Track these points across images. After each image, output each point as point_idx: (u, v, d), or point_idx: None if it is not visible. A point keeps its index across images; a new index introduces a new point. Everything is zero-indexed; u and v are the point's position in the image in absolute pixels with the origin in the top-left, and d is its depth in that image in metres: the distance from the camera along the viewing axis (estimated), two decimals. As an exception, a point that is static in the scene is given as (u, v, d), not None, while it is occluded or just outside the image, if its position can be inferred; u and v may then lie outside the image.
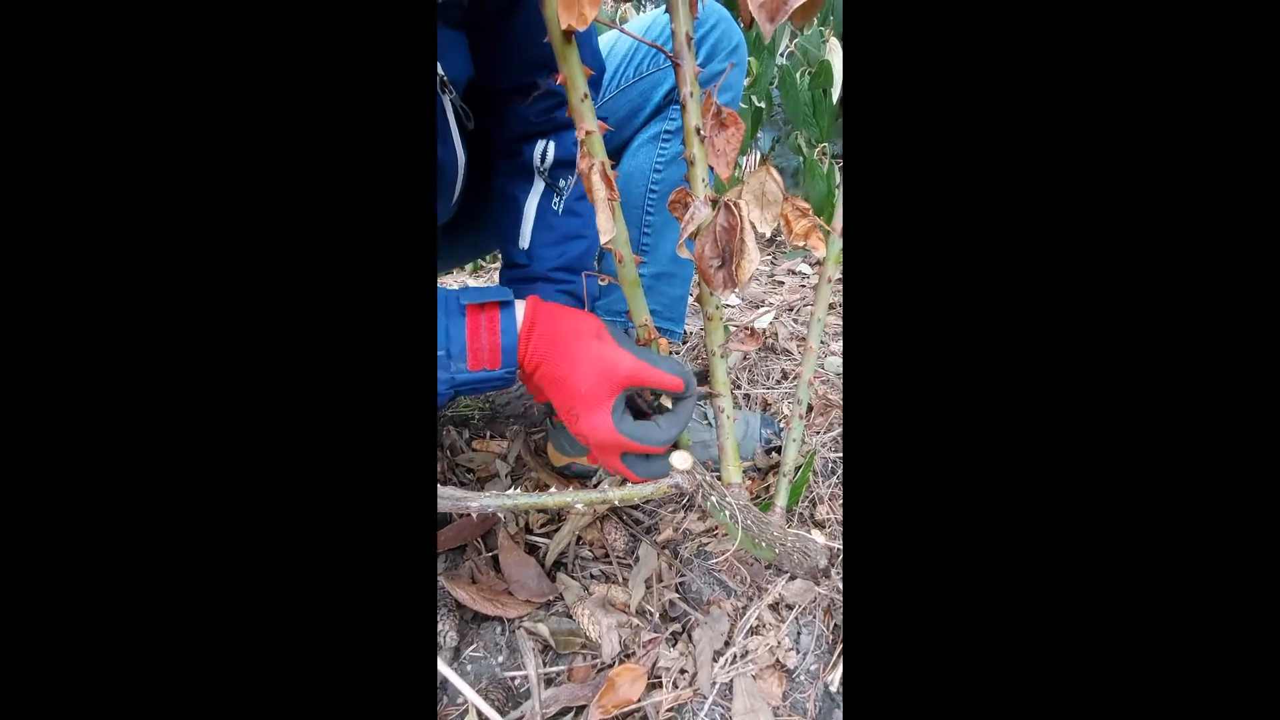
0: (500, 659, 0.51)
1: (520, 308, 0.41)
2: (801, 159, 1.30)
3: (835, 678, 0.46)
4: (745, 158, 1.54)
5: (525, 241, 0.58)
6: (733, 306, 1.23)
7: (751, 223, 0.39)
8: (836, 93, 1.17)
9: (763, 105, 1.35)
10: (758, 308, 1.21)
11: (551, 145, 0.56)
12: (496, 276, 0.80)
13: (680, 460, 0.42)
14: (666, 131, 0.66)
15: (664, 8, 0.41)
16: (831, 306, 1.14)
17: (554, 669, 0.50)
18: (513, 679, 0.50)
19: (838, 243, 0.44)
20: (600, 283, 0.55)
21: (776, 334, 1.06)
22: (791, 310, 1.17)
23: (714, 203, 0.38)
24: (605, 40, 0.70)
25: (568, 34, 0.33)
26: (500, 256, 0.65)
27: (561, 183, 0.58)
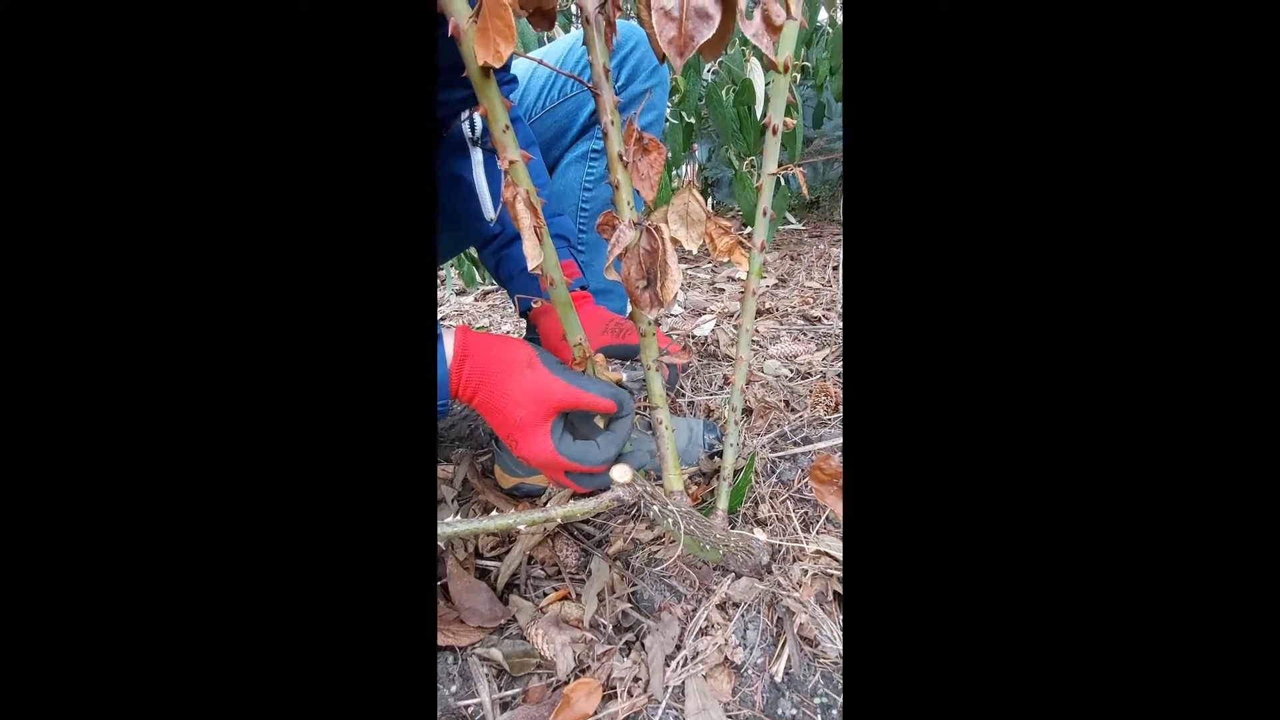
0: (453, 689, 0.51)
1: (449, 339, 0.42)
2: (734, 171, 1.36)
3: (780, 668, 0.48)
4: (685, 167, 1.58)
5: (490, 212, 0.58)
6: (675, 316, 1.26)
7: (676, 242, 0.41)
8: (760, 109, 1.23)
9: (693, 121, 1.39)
10: (699, 315, 1.24)
11: (477, 115, 0.57)
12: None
13: (620, 473, 0.43)
14: (594, 150, 0.68)
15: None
16: (760, 314, 1.19)
17: (509, 692, 0.50)
18: (466, 707, 0.49)
19: (759, 257, 0.46)
20: (534, 305, 0.56)
21: (718, 341, 1.09)
22: (732, 317, 1.21)
23: (638, 225, 0.40)
24: (529, 62, 0.71)
25: (485, 70, 0.34)
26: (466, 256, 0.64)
27: None
